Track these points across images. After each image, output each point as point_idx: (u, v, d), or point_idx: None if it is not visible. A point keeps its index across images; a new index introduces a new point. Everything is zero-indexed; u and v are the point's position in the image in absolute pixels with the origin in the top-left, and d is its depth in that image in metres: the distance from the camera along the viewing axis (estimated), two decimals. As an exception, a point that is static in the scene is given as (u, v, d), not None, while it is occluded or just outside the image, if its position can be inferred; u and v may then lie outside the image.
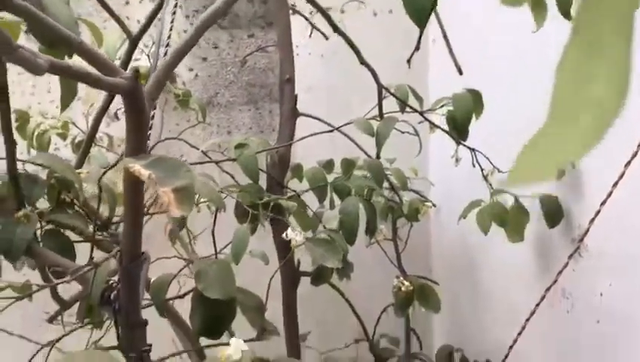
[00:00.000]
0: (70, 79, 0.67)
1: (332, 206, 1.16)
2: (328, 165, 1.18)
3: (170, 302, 0.90)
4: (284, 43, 1.17)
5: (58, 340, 0.89)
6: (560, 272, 1.06)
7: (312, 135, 1.09)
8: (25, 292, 0.75)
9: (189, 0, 1.34)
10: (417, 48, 0.69)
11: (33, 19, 0.45)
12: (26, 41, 0.63)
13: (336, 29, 0.95)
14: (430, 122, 1.06)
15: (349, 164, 1.11)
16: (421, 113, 1.04)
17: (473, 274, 1.38)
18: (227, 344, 0.69)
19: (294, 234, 0.82)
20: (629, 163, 0.92)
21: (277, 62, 1.25)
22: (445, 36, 0.87)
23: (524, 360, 1.19)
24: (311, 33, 1.15)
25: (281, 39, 1.17)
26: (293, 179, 1.19)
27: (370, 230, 1.11)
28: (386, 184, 1.20)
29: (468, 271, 1.40)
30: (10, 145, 0.67)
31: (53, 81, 1.25)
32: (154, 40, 1.17)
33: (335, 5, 1.35)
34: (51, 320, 0.92)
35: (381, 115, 1.04)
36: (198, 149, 1.15)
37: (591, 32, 0.19)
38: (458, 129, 0.99)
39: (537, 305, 1.10)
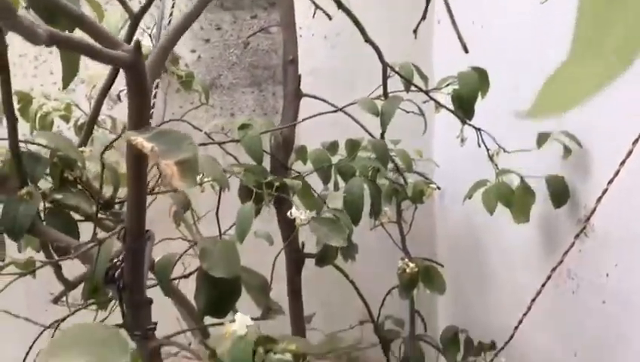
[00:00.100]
0: (71, 52, 0.66)
1: (336, 188, 1.15)
2: (332, 147, 1.18)
3: (175, 282, 0.90)
4: (288, 23, 1.16)
5: (63, 320, 0.89)
6: (566, 252, 1.05)
7: (316, 115, 1.08)
8: (28, 268, 0.74)
9: (191, -20, 1.33)
10: (424, 17, 0.68)
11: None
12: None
13: (340, 5, 0.94)
14: (435, 101, 1.05)
15: (353, 145, 1.10)
16: (426, 92, 1.03)
17: (478, 256, 1.38)
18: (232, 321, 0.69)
19: (299, 212, 0.82)
20: (636, 141, 0.91)
21: (280, 44, 1.24)
22: (450, 13, 0.86)
23: (530, 341, 1.18)
24: (314, 13, 1.14)
25: (285, 20, 1.16)
26: (297, 162, 1.19)
27: (375, 211, 1.11)
28: (390, 166, 1.19)
29: (472, 253, 1.39)
30: (12, 120, 0.67)
31: (55, 63, 1.25)
32: (156, 20, 1.17)
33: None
34: (56, 300, 0.92)
35: (385, 94, 1.03)
36: (201, 131, 1.14)
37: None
38: (464, 108, 0.98)
39: (543, 285, 1.10)
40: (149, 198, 0.86)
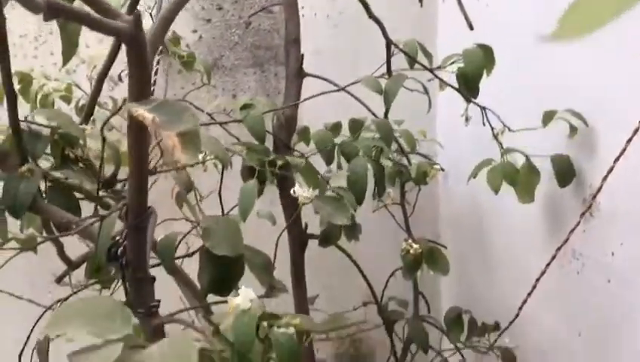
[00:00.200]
0: (70, 24, 0.66)
1: (339, 169, 1.15)
2: (335, 128, 1.17)
3: (178, 263, 0.89)
4: (290, 2, 1.15)
5: (65, 300, 0.89)
6: (572, 231, 1.04)
7: (319, 94, 1.07)
8: (30, 244, 0.74)
9: (192, -42, 1.31)
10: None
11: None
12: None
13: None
14: (440, 79, 1.04)
15: (356, 125, 1.09)
16: (431, 70, 1.02)
17: (482, 237, 1.37)
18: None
19: (302, 190, 0.81)
20: (644, 117, 0.89)
21: (282, 23, 1.23)
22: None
23: (534, 321, 1.18)
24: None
25: (287, -2, 1.14)
26: (299, 143, 1.18)
27: (379, 191, 1.10)
28: (393, 147, 1.18)
29: (476, 234, 1.39)
30: (11, 95, 0.66)
31: (55, 44, 1.23)
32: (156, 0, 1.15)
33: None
34: (59, 280, 0.92)
35: (389, 72, 1.02)
36: (203, 111, 1.13)
37: None
38: (468, 86, 0.97)
39: (548, 265, 1.10)
40: (151, 179, 0.85)
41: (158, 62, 1.13)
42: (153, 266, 0.77)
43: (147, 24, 1.04)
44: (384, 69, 1.06)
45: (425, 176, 1.25)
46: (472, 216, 1.40)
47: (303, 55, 1.12)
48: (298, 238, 1.13)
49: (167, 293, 0.77)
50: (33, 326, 0.89)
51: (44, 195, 0.73)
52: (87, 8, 0.52)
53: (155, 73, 1.13)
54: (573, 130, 1.04)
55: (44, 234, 0.94)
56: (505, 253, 1.31)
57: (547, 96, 1.10)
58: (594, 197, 1.01)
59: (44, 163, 0.81)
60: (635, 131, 0.92)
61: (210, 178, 1.04)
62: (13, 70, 0.71)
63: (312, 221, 1.16)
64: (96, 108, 0.96)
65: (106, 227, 0.64)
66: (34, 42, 1.27)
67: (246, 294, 0.58)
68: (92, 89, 0.95)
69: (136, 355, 0.40)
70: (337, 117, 1.16)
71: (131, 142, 0.61)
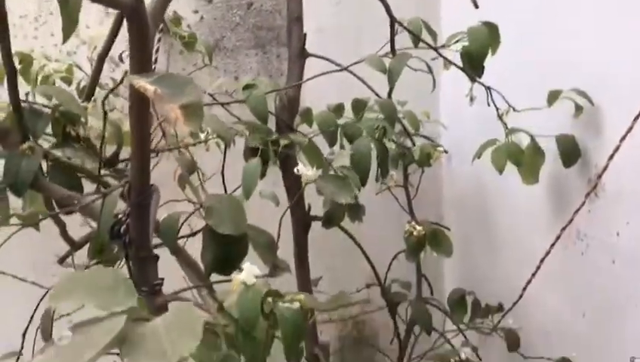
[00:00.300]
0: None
1: (342, 147, 1.14)
2: (338, 109, 1.16)
3: (181, 244, 0.89)
4: (292, -19, 1.13)
5: (69, 280, 0.89)
6: (577, 211, 1.04)
7: (321, 74, 1.06)
8: (32, 220, 0.73)
9: None
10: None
11: None
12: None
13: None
14: (445, 58, 1.03)
15: (359, 105, 1.09)
16: (435, 49, 1.01)
17: (485, 219, 1.37)
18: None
19: (305, 169, 0.80)
20: (651, 95, 0.88)
21: (284, 4, 1.21)
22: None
23: (538, 302, 1.18)
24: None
25: (289, -23, 1.13)
26: (302, 125, 1.17)
27: (382, 172, 1.09)
28: (396, 129, 1.17)
29: (480, 216, 1.38)
30: (12, 73, 0.65)
31: (56, 25, 1.22)
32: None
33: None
34: (62, 261, 0.91)
35: (393, 50, 1.01)
36: (205, 92, 1.12)
37: None
38: (473, 65, 0.96)
39: (552, 245, 1.09)
40: (153, 161, 0.85)
41: (159, 41, 1.12)
42: (156, 247, 0.77)
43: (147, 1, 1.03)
44: (388, 48, 1.04)
45: (428, 158, 1.25)
46: (475, 197, 1.39)
47: (305, 34, 1.10)
48: (301, 220, 1.12)
49: (171, 274, 0.76)
50: (36, 306, 0.89)
51: (45, 174, 0.72)
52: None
53: (156, 51, 1.12)
54: (578, 109, 1.03)
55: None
56: (509, 234, 1.30)
57: (552, 74, 1.09)
58: (599, 176, 1.00)
59: (46, 144, 0.80)
60: (642, 109, 0.91)
61: (212, 159, 1.03)
62: (13, 51, 0.70)
63: (315, 203, 1.15)
64: (97, 89, 0.95)
65: (109, 204, 0.64)
66: (34, 23, 1.26)
67: (250, 270, 0.58)
68: (93, 69, 0.94)
69: (139, 327, 0.39)
70: (340, 98, 1.15)
71: (133, 121, 0.60)
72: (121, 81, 0.70)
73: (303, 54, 1.11)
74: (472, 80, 1.01)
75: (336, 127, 1.10)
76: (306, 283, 1.15)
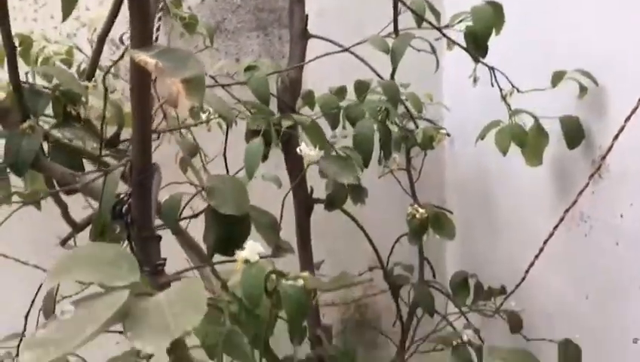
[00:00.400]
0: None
1: (345, 136, 1.13)
2: (340, 91, 1.15)
3: (183, 226, 0.88)
4: (293, -39, 1.12)
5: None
6: (580, 193, 1.03)
7: (323, 55, 1.05)
8: (32, 198, 0.73)
9: None
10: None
11: None
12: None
13: None
14: (448, 38, 1.02)
15: (362, 86, 1.08)
16: (439, 29, 1.00)
17: (488, 202, 1.36)
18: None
19: (308, 149, 0.80)
20: (656, 74, 0.88)
21: (286, -15, 1.20)
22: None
23: (540, 285, 1.18)
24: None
25: (290, -44, 1.12)
26: (304, 107, 1.16)
27: (385, 154, 1.09)
28: (399, 111, 1.17)
29: (483, 198, 1.38)
30: (11, 52, 0.64)
31: (55, 7, 1.21)
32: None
33: None
34: (63, 243, 0.91)
35: (396, 31, 1.00)
36: (206, 74, 1.11)
37: None
38: (477, 45, 0.95)
39: (555, 227, 1.09)
40: (155, 144, 0.84)
41: (159, 20, 1.11)
42: (158, 228, 0.76)
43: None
44: (390, 29, 1.03)
45: (431, 140, 1.24)
46: (478, 180, 1.38)
47: (307, 15, 1.09)
48: (304, 202, 1.12)
49: (173, 257, 0.76)
50: (38, 288, 0.89)
51: (46, 154, 0.72)
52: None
53: (157, 30, 1.11)
54: (582, 90, 1.02)
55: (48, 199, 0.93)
56: (512, 216, 1.30)
57: (556, 54, 1.08)
58: (604, 157, 1.00)
59: (46, 127, 0.80)
60: (647, 89, 0.90)
61: (214, 141, 1.03)
62: (12, 33, 0.70)
63: (317, 187, 1.15)
64: (98, 71, 0.94)
65: (110, 183, 0.63)
66: (34, 5, 1.25)
67: (253, 248, 0.58)
68: (93, 51, 0.93)
69: (142, 302, 0.39)
70: (342, 79, 1.14)
71: (135, 103, 0.60)
72: (122, 56, 0.69)
73: (305, 35, 1.10)
74: (476, 60, 1.00)
75: (339, 109, 1.10)
76: (308, 265, 1.15)
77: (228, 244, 0.77)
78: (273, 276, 0.56)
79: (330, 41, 1.09)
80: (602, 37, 0.99)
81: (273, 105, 1.06)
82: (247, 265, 0.57)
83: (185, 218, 0.84)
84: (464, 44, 0.99)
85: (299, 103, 1.13)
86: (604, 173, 1.02)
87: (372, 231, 1.24)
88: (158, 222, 0.77)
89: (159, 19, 1.13)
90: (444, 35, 1.02)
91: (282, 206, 0.90)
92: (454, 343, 1.03)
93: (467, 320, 1.20)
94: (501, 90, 1.07)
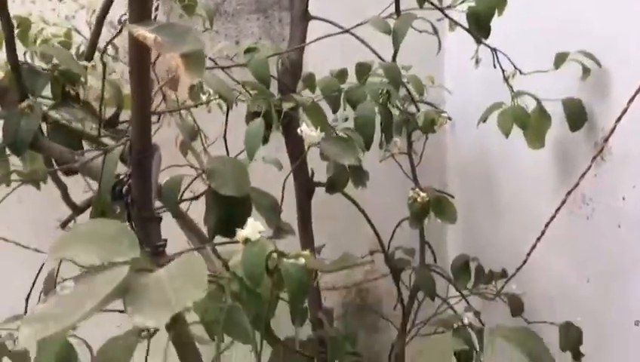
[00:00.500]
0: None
1: (346, 119, 1.13)
2: (341, 74, 1.14)
3: (184, 209, 0.88)
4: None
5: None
6: (583, 175, 1.03)
7: (324, 37, 1.04)
8: (31, 176, 0.72)
9: None
10: None
11: None
12: None
13: None
14: (450, 19, 1.01)
15: (363, 68, 1.07)
16: (441, 9, 0.99)
17: (490, 186, 1.36)
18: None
19: (309, 130, 0.79)
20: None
21: (286, -33, 1.19)
22: None
23: (542, 268, 1.18)
24: None
25: (290, -63, 1.10)
26: (305, 90, 1.16)
27: (386, 137, 1.08)
28: (401, 94, 1.16)
29: (484, 182, 1.37)
30: (9, 33, 0.64)
31: (53, -12, 1.20)
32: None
33: None
34: (64, 225, 0.91)
35: (398, 11, 0.99)
36: (206, 57, 1.10)
37: None
38: (480, 25, 0.94)
39: (557, 210, 1.08)
40: (155, 127, 0.83)
41: (158, 0, 1.10)
42: (158, 211, 0.76)
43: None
44: (392, 10, 1.02)
45: (432, 124, 1.23)
46: (480, 163, 1.38)
47: (308, -4, 1.08)
48: (304, 185, 1.11)
49: (174, 240, 0.75)
50: (39, 271, 0.89)
51: (45, 134, 0.71)
52: None
53: (156, 9, 1.10)
54: (585, 71, 1.01)
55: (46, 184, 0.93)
56: (513, 199, 1.29)
57: (559, 34, 1.07)
58: (606, 139, 0.99)
59: (45, 108, 0.79)
60: (651, 70, 0.89)
61: (214, 123, 1.02)
62: (11, 14, 0.69)
63: (318, 170, 1.14)
64: (96, 53, 0.93)
65: (109, 162, 0.63)
66: (31, -13, 1.24)
67: (254, 226, 0.57)
68: (91, 32, 0.92)
69: (142, 278, 0.39)
70: (343, 61, 1.13)
71: (134, 85, 0.59)
72: (120, 31, 0.68)
73: (306, 17, 1.09)
74: (478, 41, 1.00)
75: (340, 91, 1.09)
76: (309, 247, 1.14)
77: (229, 226, 0.77)
78: (274, 255, 0.56)
79: (331, 23, 1.07)
80: (605, 18, 0.98)
81: (274, 89, 1.06)
82: (249, 243, 0.57)
83: (185, 200, 0.84)
84: (466, 25, 0.98)
85: (299, 86, 1.12)
86: (607, 155, 1.01)
87: (373, 215, 1.23)
88: (158, 204, 0.77)
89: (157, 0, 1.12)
90: (446, 15, 1.01)
91: (283, 188, 0.90)
92: (455, 326, 1.03)
93: (468, 303, 1.20)
94: (503, 71, 1.06)
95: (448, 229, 1.49)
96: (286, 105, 0.97)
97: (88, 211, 0.91)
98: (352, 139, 0.88)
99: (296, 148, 1.06)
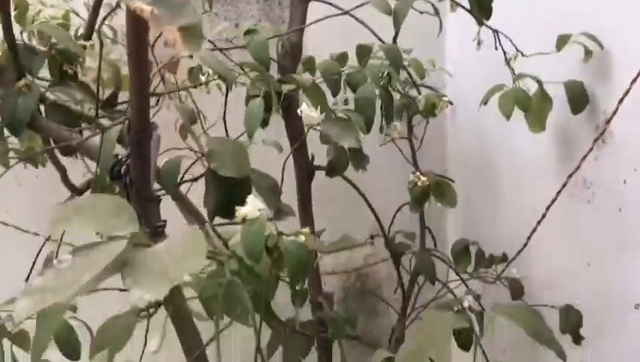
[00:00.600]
0: None
1: (346, 102, 1.12)
2: (341, 58, 1.13)
3: (183, 192, 0.88)
4: None
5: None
6: (584, 158, 1.02)
7: (324, 18, 1.03)
8: (28, 153, 0.72)
9: None
10: None
11: None
12: None
13: None
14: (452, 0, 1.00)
15: (364, 51, 1.06)
16: (442, -10, 0.98)
17: (490, 170, 1.35)
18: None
19: (309, 110, 0.78)
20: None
21: (286, -52, 1.18)
22: None
23: (542, 252, 1.17)
24: None
25: None
26: (305, 73, 1.15)
27: (387, 120, 1.08)
28: (401, 77, 1.15)
29: (485, 167, 1.37)
30: (6, 13, 0.63)
31: (50, -30, 1.19)
32: None
33: None
34: (63, 207, 0.90)
35: (399, -8, 0.98)
36: (205, 39, 1.09)
37: None
38: (481, 6, 0.93)
39: (558, 193, 1.08)
40: (153, 110, 0.82)
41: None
42: (158, 191, 0.76)
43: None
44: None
45: (433, 108, 1.23)
46: (480, 147, 1.37)
47: (308, -22, 1.07)
48: (304, 168, 1.11)
49: (173, 223, 0.75)
50: (38, 253, 0.89)
51: (43, 114, 0.71)
52: None
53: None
54: (588, 53, 1.00)
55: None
56: (514, 183, 1.29)
57: (561, 16, 1.06)
58: (608, 121, 0.98)
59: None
60: (654, 51, 0.88)
61: (213, 105, 1.01)
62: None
63: (318, 155, 1.14)
64: (95, 36, 0.92)
65: (107, 141, 0.62)
66: (28, -31, 1.22)
67: (254, 203, 0.57)
68: (89, 14, 0.92)
69: (141, 252, 0.38)
70: (343, 43, 1.12)
71: (132, 66, 0.58)
72: (117, 5, 0.67)
73: (306, -2, 1.08)
74: (480, 23, 0.99)
75: (340, 75, 1.08)
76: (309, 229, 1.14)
77: (228, 207, 0.76)
78: (274, 233, 0.56)
79: (331, 4, 1.07)
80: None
81: (274, 71, 1.05)
82: (248, 221, 0.56)
83: (184, 181, 0.83)
84: (468, 6, 0.97)
85: (299, 69, 1.11)
86: (608, 138, 1.01)
87: (373, 199, 1.23)
88: (157, 187, 0.76)
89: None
90: (447, -4, 1.00)
91: (283, 170, 0.89)
92: (455, 309, 1.03)
93: (467, 287, 1.20)
94: (505, 53, 1.05)
95: (448, 213, 1.48)
96: (286, 87, 0.96)
97: (87, 194, 0.91)
98: (352, 120, 0.87)
99: (295, 130, 1.05)
